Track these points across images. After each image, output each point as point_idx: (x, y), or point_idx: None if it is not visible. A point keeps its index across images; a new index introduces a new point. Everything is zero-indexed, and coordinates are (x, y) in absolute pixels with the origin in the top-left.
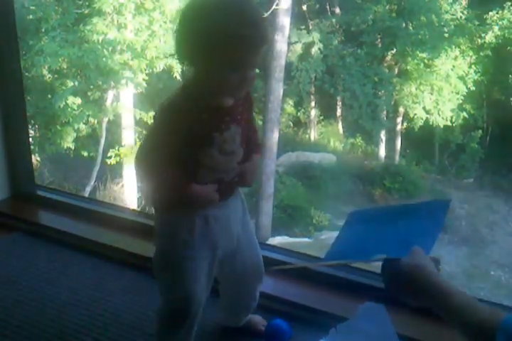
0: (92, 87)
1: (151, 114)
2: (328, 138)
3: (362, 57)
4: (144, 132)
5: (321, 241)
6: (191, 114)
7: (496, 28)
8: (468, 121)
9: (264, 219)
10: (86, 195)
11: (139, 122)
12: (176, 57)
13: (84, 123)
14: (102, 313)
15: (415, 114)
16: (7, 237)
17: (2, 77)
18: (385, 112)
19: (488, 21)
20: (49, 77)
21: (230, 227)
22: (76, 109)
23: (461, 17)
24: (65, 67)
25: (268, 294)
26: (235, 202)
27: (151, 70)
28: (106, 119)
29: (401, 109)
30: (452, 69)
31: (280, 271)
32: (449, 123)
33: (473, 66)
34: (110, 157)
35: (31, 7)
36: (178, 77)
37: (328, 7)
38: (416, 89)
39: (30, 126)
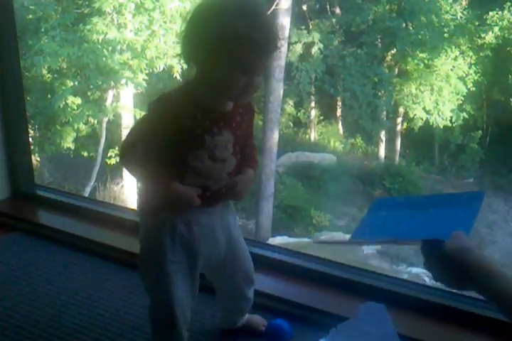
0: (91, 86)
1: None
2: (328, 139)
3: (362, 58)
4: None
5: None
6: (186, 111)
7: (495, 29)
8: (468, 121)
9: (265, 219)
10: (86, 195)
11: None
12: (181, 56)
13: (84, 123)
14: (102, 313)
15: (415, 115)
16: (7, 237)
17: (2, 77)
18: (384, 112)
19: (488, 22)
20: (49, 77)
21: (214, 236)
22: (76, 108)
23: (461, 17)
24: (65, 66)
25: (269, 294)
26: (223, 212)
27: (151, 70)
28: (106, 119)
29: (401, 110)
30: (452, 70)
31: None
32: (448, 124)
33: (473, 66)
34: (110, 157)
35: (31, 6)
36: (179, 77)
37: (328, 7)
38: (416, 89)
39: (30, 126)
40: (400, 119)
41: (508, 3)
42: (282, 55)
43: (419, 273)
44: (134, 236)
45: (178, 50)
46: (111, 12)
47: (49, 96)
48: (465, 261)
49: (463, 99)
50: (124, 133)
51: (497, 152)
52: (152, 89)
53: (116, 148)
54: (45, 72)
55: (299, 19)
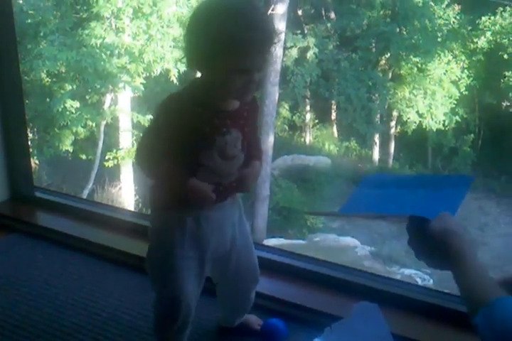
0: (90, 90)
1: (149, 117)
2: (323, 142)
3: (356, 62)
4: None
5: (315, 243)
6: (194, 112)
7: (488, 33)
8: (460, 124)
9: (260, 221)
10: (84, 197)
11: (136, 125)
12: (184, 61)
13: (82, 127)
14: (99, 313)
15: (408, 118)
16: (6, 238)
17: (1, 81)
18: (378, 116)
19: (481, 26)
20: (47, 81)
21: (222, 229)
22: (74, 112)
23: (454, 22)
24: (64, 70)
25: (264, 294)
26: (232, 206)
27: (148, 74)
28: (104, 122)
29: (395, 113)
30: (445, 74)
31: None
32: (441, 127)
33: (465, 70)
34: (108, 160)
35: (30, 11)
36: (175, 81)
37: (323, 12)
38: (409, 93)
39: (28, 129)
40: (393, 123)
41: (500, 8)
42: (278, 60)
43: (412, 274)
44: (131, 238)
45: (175, 54)
46: (109, 17)
47: (48, 99)
48: (447, 243)
49: (455, 102)
50: (122, 136)
51: (489, 155)
52: (149, 93)
53: (114, 150)
54: (44, 75)
55: (295, 24)
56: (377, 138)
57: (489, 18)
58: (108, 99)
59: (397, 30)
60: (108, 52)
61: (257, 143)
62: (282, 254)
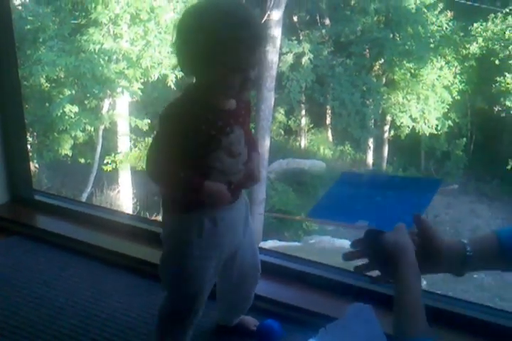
0: (88, 95)
1: (146, 121)
2: (318, 146)
3: (351, 67)
4: (141, 140)
5: (311, 245)
6: (197, 115)
7: (480, 39)
8: (453, 129)
9: (256, 223)
10: (83, 200)
11: (134, 130)
12: (179, 68)
13: (81, 131)
14: (98, 314)
15: (402, 122)
16: (6, 240)
17: (1, 86)
18: (372, 120)
19: (473, 33)
20: (47, 86)
21: (235, 229)
22: (73, 116)
23: (446, 28)
24: (62, 76)
25: (259, 295)
26: (241, 205)
27: (146, 79)
28: (102, 127)
29: (388, 118)
30: (438, 79)
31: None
32: (434, 131)
33: (458, 76)
34: (106, 163)
35: (29, 17)
36: (173, 86)
37: (318, 18)
38: (403, 98)
39: (28, 134)
40: (387, 127)
41: (492, 15)
42: (273, 65)
43: None
44: (129, 240)
45: (173, 59)
46: (107, 23)
47: (47, 104)
48: (395, 257)
49: (448, 107)
50: (120, 140)
51: (481, 159)
52: (147, 98)
53: (113, 154)
54: (43, 81)
55: (290, 30)
56: (371, 142)
57: (481, 25)
58: (106, 103)
59: (391, 36)
60: (106, 58)
61: (251, 136)
62: (278, 256)
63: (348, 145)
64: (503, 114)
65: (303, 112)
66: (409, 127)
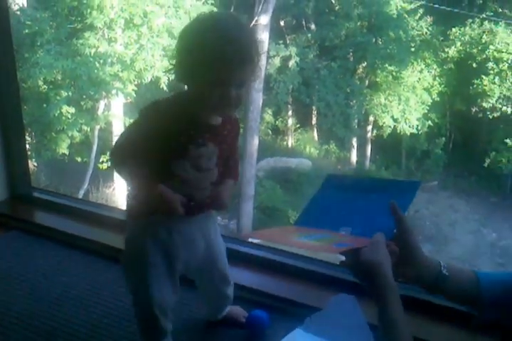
0: (84, 96)
1: None
2: (304, 145)
3: (335, 70)
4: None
5: None
6: (174, 120)
7: (458, 44)
8: (432, 129)
9: (245, 219)
10: (80, 197)
11: None
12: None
13: (77, 131)
14: (94, 305)
15: (384, 123)
16: (5, 236)
17: (0, 88)
18: (356, 121)
19: (451, 37)
20: (44, 88)
21: (194, 242)
22: (70, 117)
23: (426, 33)
24: (59, 78)
25: (249, 287)
26: (205, 221)
27: (139, 81)
28: (98, 127)
29: (371, 118)
30: (418, 81)
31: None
32: (415, 131)
33: (437, 78)
34: (102, 162)
35: (27, 22)
36: (165, 88)
37: (304, 23)
38: (385, 99)
39: (27, 134)
40: (370, 127)
41: (470, 20)
42: (262, 68)
43: None
44: (123, 235)
45: (165, 62)
46: (102, 27)
47: (45, 105)
48: (371, 275)
49: (428, 108)
50: (115, 139)
51: (459, 157)
52: (141, 99)
53: (108, 153)
54: (40, 83)
55: (277, 34)
56: (354, 141)
57: (459, 30)
58: (102, 105)
59: (373, 40)
60: (101, 61)
61: (235, 164)
62: (266, 250)
63: (332, 145)
64: (480, 115)
65: (290, 113)
66: (391, 127)
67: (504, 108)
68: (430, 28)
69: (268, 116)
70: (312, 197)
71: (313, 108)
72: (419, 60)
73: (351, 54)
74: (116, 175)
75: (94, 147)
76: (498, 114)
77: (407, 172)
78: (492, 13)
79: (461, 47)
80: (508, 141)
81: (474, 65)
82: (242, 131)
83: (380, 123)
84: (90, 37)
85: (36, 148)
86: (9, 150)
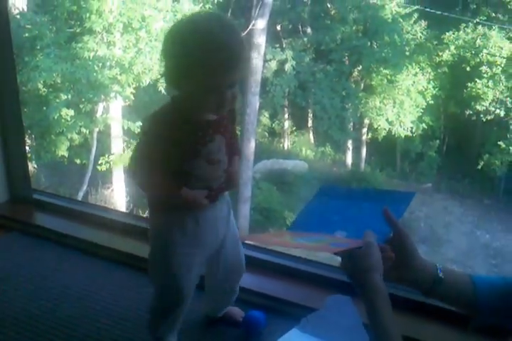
0: (83, 99)
1: (138, 124)
2: (300, 147)
3: (331, 74)
4: (133, 142)
5: None
6: (177, 126)
7: (452, 47)
8: (427, 131)
9: (242, 220)
10: (79, 198)
11: (127, 132)
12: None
13: (76, 133)
14: (93, 306)
15: (379, 125)
16: (6, 237)
17: (0, 91)
18: (351, 123)
19: (445, 41)
20: (44, 91)
21: (217, 227)
22: (69, 120)
23: (420, 37)
24: (59, 81)
25: (245, 288)
26: (222, 204)
27: (138, 84)
28: (97, 129)
29: (366, 121)
30: (413, 85)
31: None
32: (409, 134)
33: (431, 82)
34: (101, 164)
35: (27, 26)
36: (163, 91)
37: (300, 27)
38: (380, 102)
39: (26, 136)
40: (365, 130)
41: (463, 25)
42: (258, 71)
43: None
44: (122, 236)
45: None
46: (101, 31)
47: (44, 108)
48: (360, 282)
49: (422, 111)
50: (114, 142)
51: (453, 159)
52: (139, 102)
53: (106, 155)
54: (40, 86)
55: (274, 38)
56: (350, 144)
57: (453, 34)
58: (100, 107)
59: (369, 44)
60: (100, 64)
61: (236, 141)
62: (263, 252)
63: (328, 147)
64: (474, 118)
65: (286, 116)
66: (385, 130)
67: (497, 111)
68: (424, 32)
69: (265, 119)
70: (306, 204)
71: (309, 111)
72: (413, 64)
73: (347, 58)
74: (115, 177)
75: (93, 149)
76: (492, 117)
77: (402, 174)
78: (485, 18)
79: (455, 51)
80: (501, 143)
81: (468, 68)
82: (239, 133)
83: (375, 126)
84: (89, 41)
85: (36, 151)
86: (9, 152)
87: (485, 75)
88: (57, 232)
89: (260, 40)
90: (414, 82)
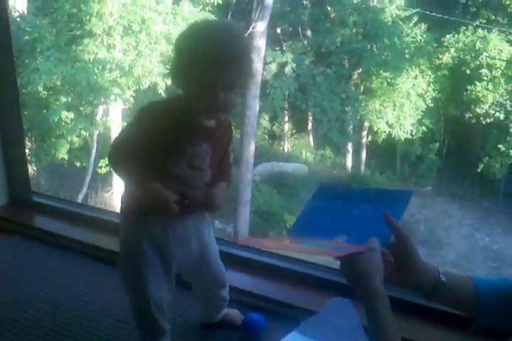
0: (83, 102)
1: None
2: (300, 150)
3: (331, 76)
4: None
5: None
6: (170, 121)
7: (452, 50)
8: (426, 134)
9: (242, 223)
10: (79, 201)
11: None
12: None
13: (76, 136)
14: (92, 308)
15: (379, 128)
16: (6, 240)
17: (1, 94)
18: (351, 126)
19: (445, 44)
20: (44, 94)
21: (189, 243)
22: (69, 122)
23: (420, 40)
24: (59, 84)
25: (245, 290)
26: (199, 221)
27: (137, 87)
28: (96, 132)
29: (366, 124)
30: (412, 88)
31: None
32: (409, 137)
33: (431, 84)
34: (101, 167)
35: (27, 29)
36: (163, 94)
37: (300, 30)
38: (380, 105)
39: (26, 139)
40: (365, 132)
41: (463, 27)
42: (258, 74)
43: None
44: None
45: (163, 68)
46: (101, 34)
47: (44, 111)
48: (360, 286)
49: (422, 114)
50: (113, 140)
51: (453, 162)
52: (139, 105)
53: (106, 158)
54: (40, 89)
55: (274, 41)
56: (350, 146)
57: (453, 36)
58: (100, 110)
59: (369, 47)
60: (100, 67)
61: (227, 167)
62: (262, 254)
63: (328, 150)
64: (474, 121)
65: (286, 118)
66: (385, 132)
67: (497, 114)
68: (424, 35)
69: (264, 122)
70: (304, 207)
71: (309, 113)
72: (413, 67)
73: (347, 60)
74: (114, 179)
75: (93, 152)
76: (492, 119)
77: (402, 177)
78: (485, 21)
79: (454, 54)
80: (500, 146)
81: (468, 71)
82: (239, 136)
83: (375, 129)
84: (89, 43)
85: (36, 153)
86: (9, 155)
87: (485, 78)
88: (57, 235)
89: (260, 42)
90: (414, 85)
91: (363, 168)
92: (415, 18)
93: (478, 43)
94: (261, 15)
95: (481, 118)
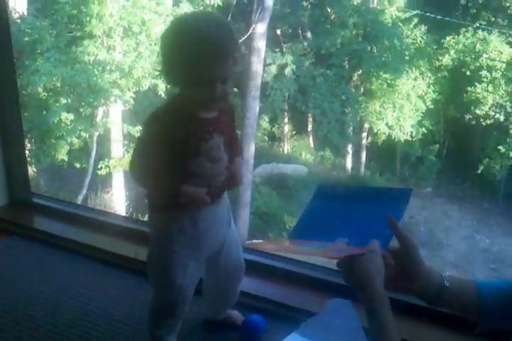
0: (83, 103)
1: (138, 128)
2: (300, 151)
3: (331, 78)
4: (133, 146)
5: None
6: (178, 125)
7: (452, 52)
8: (426, 136)
9: (242, 225)
10: (78, 202)
11: (126, 136)
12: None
13: (76, 137)
14: (92, 309)
15: (379, 130)
16: (5, 241)
17: (1, 95)
18: (351, 128)
19: (445, 45)
20: (44, 95)
21: (216, 229)
22: (69, 124)
23: (420, 41)
24: (59, 85)
25: (245, 292)
26: (222, 205)
27: (137, 88)
28: (96, 133)
29: (366, 125)
30: (412, 89)
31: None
32: (409, 138)
33: (431, 86)
34: (100, 168)
35: (27, 30)
36: (163, 95)
37: (300, 31)
38: (380, 106)
39: (26, 140)
40: (365, 134)
41: (463, 29)
42: (258, 75)
43: None
44: (121, 240)
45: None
46: (101, 35)
47: (44, 112)
48: (360, 288)
49: (422, 115)
50: (114, 146)
51: (453, 163)
52: (139, 106)
53: (106, 159)
54: (40, 90)
55: (274, 43)
56: (350, 148)
57: (453, 38)
58: (100, 111)
59: (369, 48)
60: (100, 68)
61: (236, 142)
62: (262, 255)
63: (328, 151)
64: (474, 122)
65: (286, 120)
66: (385, 134)
67: (497, 115)
68: (424, 37)
69: (264, 123)
70: (305, 209)
71: (309, 115)
72: (413, 68)
73: (347, 62)
74: (114, 181)
75: (93, 153)
76: (491, 121)
77: (402, 178)
78: (485, 22)
79: (454, 56)
80: (500, 147)
81: (468, 72)
82: (239, 137)
83: (375, 130)
84: (89, 45)
85: (36, 154)
86: (9, 156)
87: (485, 80)
88: (57, 236)
89: (260, 44)
90: (414, 87)
91: (362, 169)
92: (415, 20)
93: (478, 45)
94: (261, 17)
95: (481, 120)
